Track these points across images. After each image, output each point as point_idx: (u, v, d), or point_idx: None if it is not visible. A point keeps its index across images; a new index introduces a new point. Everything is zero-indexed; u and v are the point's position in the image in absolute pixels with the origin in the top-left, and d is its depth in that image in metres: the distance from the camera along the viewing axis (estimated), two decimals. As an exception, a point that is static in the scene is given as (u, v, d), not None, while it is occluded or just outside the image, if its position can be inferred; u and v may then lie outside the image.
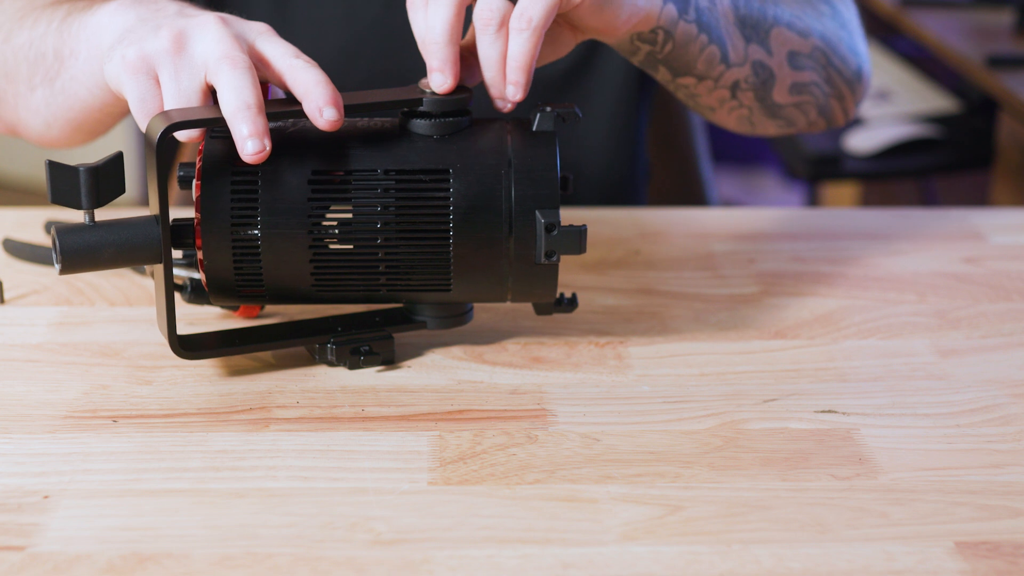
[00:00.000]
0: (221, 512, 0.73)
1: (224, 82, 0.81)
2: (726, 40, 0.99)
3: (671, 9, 0.93)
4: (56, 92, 0.98)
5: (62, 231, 0.81)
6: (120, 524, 0.72)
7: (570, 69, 1.23)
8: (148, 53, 0.84)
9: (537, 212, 0.84)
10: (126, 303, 0.97)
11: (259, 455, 0.79)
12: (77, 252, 0.81)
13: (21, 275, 1.01)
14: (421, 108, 0.86)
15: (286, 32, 0.91)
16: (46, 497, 0.74)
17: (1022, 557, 0.71)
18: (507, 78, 0.85)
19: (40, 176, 3.37)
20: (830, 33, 1.07)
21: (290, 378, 0.88)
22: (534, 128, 0.87)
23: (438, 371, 0.89)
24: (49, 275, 1.01)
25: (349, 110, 0.85)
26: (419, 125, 0.86)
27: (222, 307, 0.94)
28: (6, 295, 0.98)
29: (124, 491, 0.75)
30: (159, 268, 0.83)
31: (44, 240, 1.05)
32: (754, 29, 1.01)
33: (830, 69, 1.07)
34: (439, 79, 0.85)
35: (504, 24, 0.85)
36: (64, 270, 0.81)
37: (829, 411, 0.85)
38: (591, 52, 1.23)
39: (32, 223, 1.09)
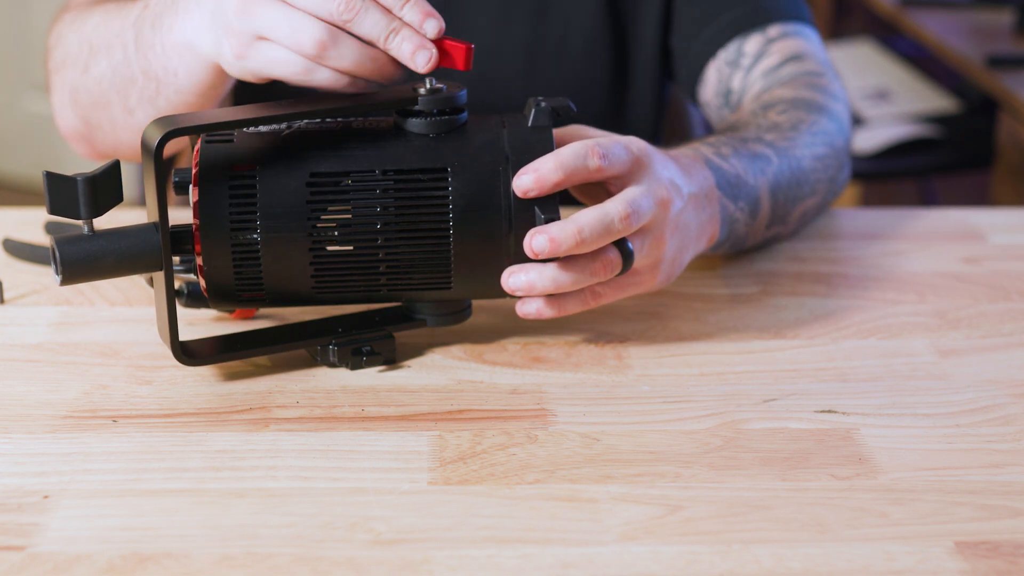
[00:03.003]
0: (221, 512, 0.73)
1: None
2: (748, 242, 1.03)
3: (720, 238, 0.98)
4: (162, 109, 1.01)
5: (62, 242, 0.81)
6: (120, 524, 0.72)
7: (604, 98, 1.26)
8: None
9: (536, 208, 0.85)
10: (126, 303, 0.97)
11: (259, 455, 0.79)
12: (78, 262, 0.81)
13: (21, 275, 1.01)
14: (416, 107, 0.86)
15: None
16: (46, 497, 0.74)
17: (1022, 557, 0.71)
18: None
19: (40, 176, 3.37)
20: (837, 146, 1.08)
21: (290, 378, 0.88)
22: (530, 124, 0.87)
23: (438, 371, 0.89)
24: (49, 275, 1.01)
25: (344, 111, 0.85)
26: (415, 124, 0.86)
27: (219, 311, 0.94)
28: (6, 295, 0.98)
29: (124, 491, 0.75)
30: (159, 275, 0.83)
31: (44, 240, 1.05)
32: (781, 219, 1.04)
33: (833, 183, 1.09)
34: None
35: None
36: (65, 281, 0.81)
37: (829, 411, 0.85)
38: (622, 70, 1.25)
39: (32, 223, 1.09)
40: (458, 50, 0.85)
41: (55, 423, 0.82)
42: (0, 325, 0.94)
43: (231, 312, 0.94)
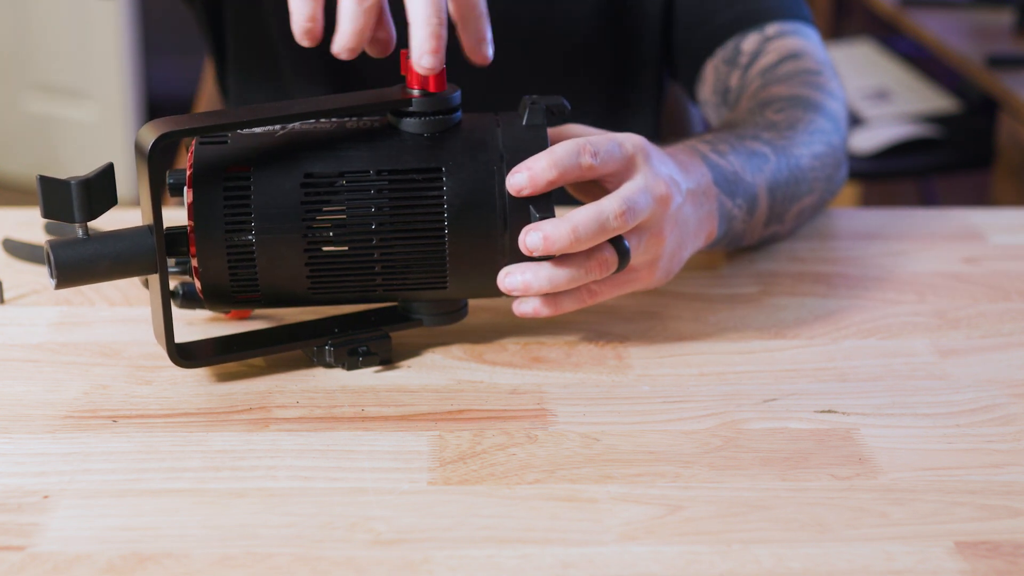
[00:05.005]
0: (221, 512, 0.73)
1: None
2: (745, 240, 1.03)
3: (718, 234, 0.97)
4: None
5: (56, 246, 0.80)
6: (120, 524, 0.72)
7: (606, 94, 1.25)
8: None
9: (531, 207, 0.85)
10: (126, 303, 0.97)
11: (259, 455, 0.79)
12: (72, 266, 0.80)
13: (21, 275, 1.01)
14: (411, 108, 0.86)
15: None
16: (46, 497, 0.74)
17: (1022, 557, 0.71)
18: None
19: (40, 176, 3.37)
20: (835, 144, 1.08)
21: (290, 378, 0.88)
22: (524, 122, 0.87)
23: (438, 371, 0.89)
24: (49, 275, 1.01)
25: (338, 112, 0.85)
26: (409, 123, 0.86)
27: (214, 311, 0.94)
28: (6, 295, 0.98)
29: (124, 491, 0.75)
30: (154, 278, 0.83)
31: (44, 240, 1.05)
32: (779, 217, 1.04)
33: (830, 182, 1.09)
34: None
35: None
36: (60, 284, 0.81)
37: (829, 411, 0.85)
38: (624, 67, 1.25)
39: (32, 223, 1.09)
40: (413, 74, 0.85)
41: (55, 423, 0.82)
42: (0, 325, 0.94)
43: (226, 313, 0.94)
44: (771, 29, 1.16)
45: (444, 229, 0.85)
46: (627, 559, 0.70)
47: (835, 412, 0.85)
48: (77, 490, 0.75)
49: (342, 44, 0.84)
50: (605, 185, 0.88)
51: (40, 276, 1.01)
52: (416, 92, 0.85)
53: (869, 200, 2.74)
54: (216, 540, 0.71)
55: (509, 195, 0.84)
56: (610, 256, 0.85)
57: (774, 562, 0.70)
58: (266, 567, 0.69)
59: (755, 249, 1.08)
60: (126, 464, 0.78)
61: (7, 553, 0.69)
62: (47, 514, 0.73)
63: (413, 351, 0.91)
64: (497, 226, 0.85)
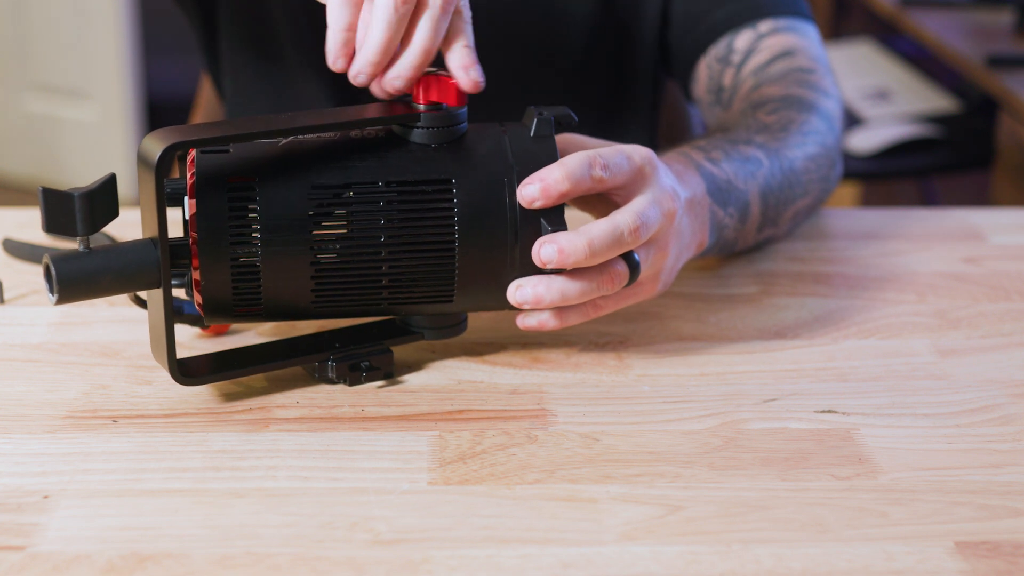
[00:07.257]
0: (221, 512, 0.73)
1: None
2: (738, 245, 1.03)
3: (708, 244, 0.97)
4: None
5: (57, 259, 0.78)
6: (120, 524, 0.72)
7: (604, 94, 1.25)
8: None
9: (542, 219, 0.84)
10: (126, 303, 0.97)
11: (259, 455, 0.79)
12: (74, 281, 0.78)
13: (21, 275, 1.01)
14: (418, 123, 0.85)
15: None
16: (46, 497, 0.74)
17: (1022, 557, 0.71)
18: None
19: (40, 176, 3.37)
20: (828, 144, 1.08)
21: (290, 378, 0.88)
22: (532, 133, 0.86)
23: (438, 371, 0.89)
24: (49, 275, 1.01)
25: (344, 126, 0.84)
26: (416, 134, 0.85)
27: (191, 325, 0.92)
28: (6, 295, 0.98)
29: (124, 491, 0.75)
30: (156, 293, 0.81)
31: (44, 240, 1.05)
32: (772, 221, 1.04)
33: (825, 182, 1.09)
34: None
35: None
36: (61, 300, 0.78)
37: (829, 411, 0.85)
38: (622, 67, 1.25)
39: (32, 223, 1.09)
40: (449, 87, 0.85)
41: (55, 423, 0.82)
42: (0, 325, 0.94)
43: (205, 327, 0.92)
44: (764, 26, 1.16)
45: (454, 241, 0.83)
46: (627, 559, 0.70)
47: (835, 412, 0.85)
48: (77, 490, 0.75)
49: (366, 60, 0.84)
50: (612, 198, 0.87)
51: (40, 276, 1.01)
52: (423, 107, 0.85)
53: (869, 200, 2.74)
54: (216, 540, 0.71)
55: (519, 207, 0.84)
56: (622, 270, 0.85)
57: (774, 562, 0.70)
58: (266, 567, 0.69)
59: (754, 249, 1.08)
60: (126, 464, 0.78)
61: (7, 553, 0.70)
62: (47, 514, 0.73)
63: (413, 351, 0.91)
64: (507, 239, 0.84)
